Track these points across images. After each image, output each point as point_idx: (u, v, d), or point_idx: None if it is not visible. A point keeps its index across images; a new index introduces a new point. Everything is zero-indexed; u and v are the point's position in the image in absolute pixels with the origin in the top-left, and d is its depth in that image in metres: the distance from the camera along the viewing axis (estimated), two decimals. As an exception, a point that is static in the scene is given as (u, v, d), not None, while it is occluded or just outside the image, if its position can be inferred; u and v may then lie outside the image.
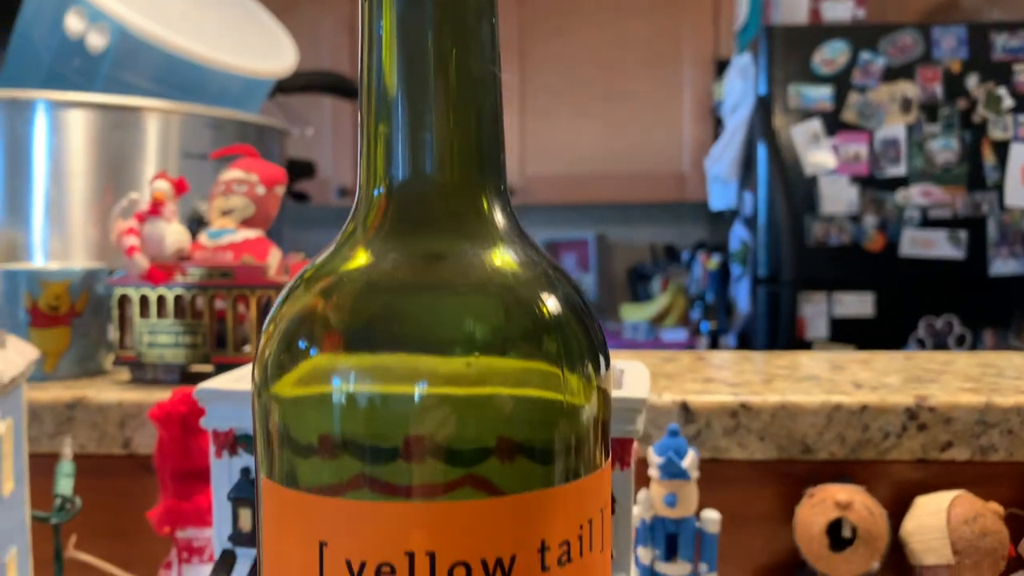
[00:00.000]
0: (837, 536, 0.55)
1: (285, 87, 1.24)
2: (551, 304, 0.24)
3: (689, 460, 0.55)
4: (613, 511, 0.38)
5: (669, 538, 0.56)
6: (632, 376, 0.41)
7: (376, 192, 0.25)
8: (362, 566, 0.22)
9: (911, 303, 2.04)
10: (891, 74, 2.00)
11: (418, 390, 0.22)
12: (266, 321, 0.25)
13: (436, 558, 0.22)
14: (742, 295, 2.35)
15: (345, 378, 0.23)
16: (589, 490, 0.24)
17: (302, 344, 0.24)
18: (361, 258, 0.25)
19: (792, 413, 0.57)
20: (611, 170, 2.67)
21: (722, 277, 2.54)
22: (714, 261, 2.56)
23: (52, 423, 0.61)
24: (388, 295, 0.24)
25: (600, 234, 2.95)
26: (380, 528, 0.22)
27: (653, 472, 0.56)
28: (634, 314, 2.72)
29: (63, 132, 0.94)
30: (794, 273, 2.11)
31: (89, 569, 0.58)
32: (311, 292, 0.25)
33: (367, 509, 0.22)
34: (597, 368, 0.25)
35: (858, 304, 2.09)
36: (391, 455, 0.23)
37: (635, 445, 0.38)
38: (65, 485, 0.56)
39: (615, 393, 0.38)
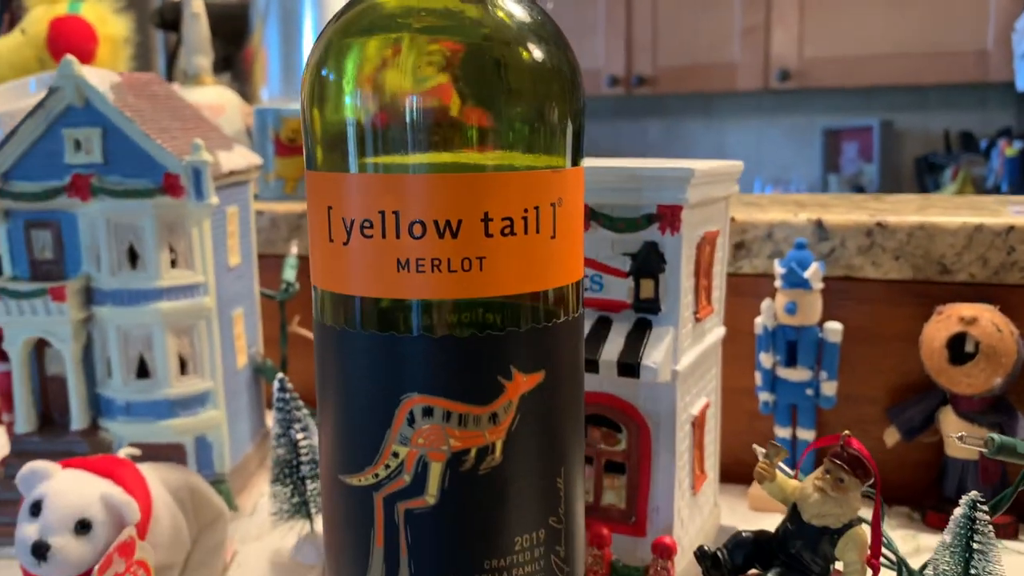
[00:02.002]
0: (959, 351, 0.55)
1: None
2: (517, 11, 0.31)
3: (811, 271, 0.57)
4: (663, 270, 0.43)
5: (789, 345, 0.59)
6: (703, 163, 0.45)
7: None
8: (352, 222, 0.30)
9: None
10: None
11: (399, 83, 0.30)
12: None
13: (400, 216, 0.30)
14: (1043, 184, 2.13)
15: (347, 81, 0.30)
16: (535, 182, 0.31)
17: (324, 64, 0.32)
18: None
19: (930, 233, 0.57)
20: (901, 49, 2.46)
21: (1022, 165, 2.30)
22: (1014, 148, 2.32)
23: (286, 230, 0.75)
24: (383, 10, 0.31)
25: (886, 120, 2.75)
26: (363, 194, 0.30)
27: (777, 283, 0.59)
28: (919, 206, 2.54)
29: (325, 5, 1.09)
30: (1107, 158, 1.88)
31: (307, 344, 0.72)
32: (328, 28, 0.32)
33: (355, 180, 0.30)
34: (559, 77, 0.31)
35: None
36: (371, 137, 0.30)
37: (684, 212, 0.42)
38: (290, 273, 0.70)
39: (669, 164, 0.42)
